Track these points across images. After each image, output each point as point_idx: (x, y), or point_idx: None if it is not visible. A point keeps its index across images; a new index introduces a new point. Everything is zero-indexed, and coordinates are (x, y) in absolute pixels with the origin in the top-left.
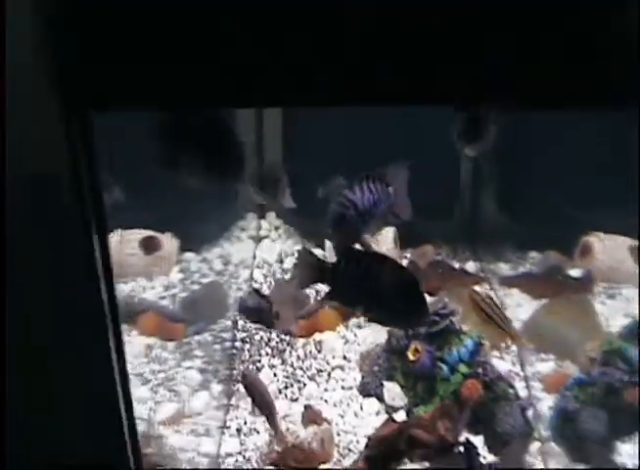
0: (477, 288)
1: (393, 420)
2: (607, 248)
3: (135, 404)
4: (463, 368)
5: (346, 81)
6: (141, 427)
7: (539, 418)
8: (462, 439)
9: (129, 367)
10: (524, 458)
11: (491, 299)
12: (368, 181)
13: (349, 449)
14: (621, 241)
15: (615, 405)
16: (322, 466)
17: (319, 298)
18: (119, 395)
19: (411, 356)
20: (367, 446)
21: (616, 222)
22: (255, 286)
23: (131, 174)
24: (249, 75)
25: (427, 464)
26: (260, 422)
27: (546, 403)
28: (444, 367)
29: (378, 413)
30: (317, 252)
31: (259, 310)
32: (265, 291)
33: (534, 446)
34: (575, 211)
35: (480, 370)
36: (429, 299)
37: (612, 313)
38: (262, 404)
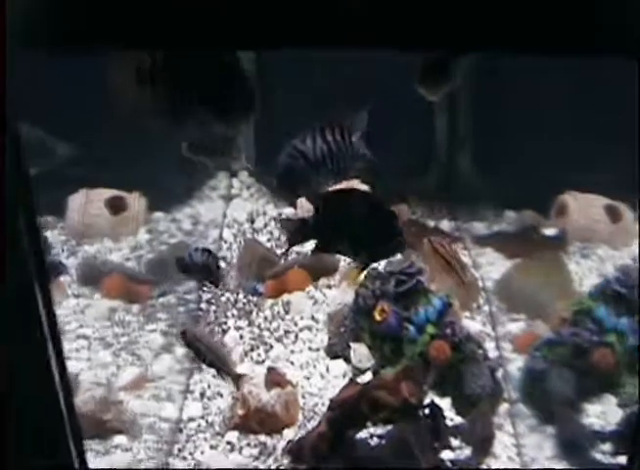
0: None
1: (356, 382)
2: (582, 207)
3: (97, 370)
4: (430, 329)
5: (329, 25)
6: (100, 392)
7: (508, 379)
8: (427, 401)
9: (91, 331)
10: (492, 420)
11: (450, 246)
12: (324, 131)
13: (315, 412)
14: (597, 200)
15: (583, 366)
16: (286, 430)
17: (289, 257)
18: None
19: (378, 317)
20: (329, 408)
21: (592, 180)
22: (225, 246)
23: (97, 130)
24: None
25: (389, 427)
26: (224, 385)
27: (516, 364)
28: (411, 328)
29: (344, 375)
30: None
31: (205, 268)
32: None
33: (503, 407)
34: (553, 170)
35: (447, 331)
36: (396, 258)
37: (585, 273)
38: (212, 358)
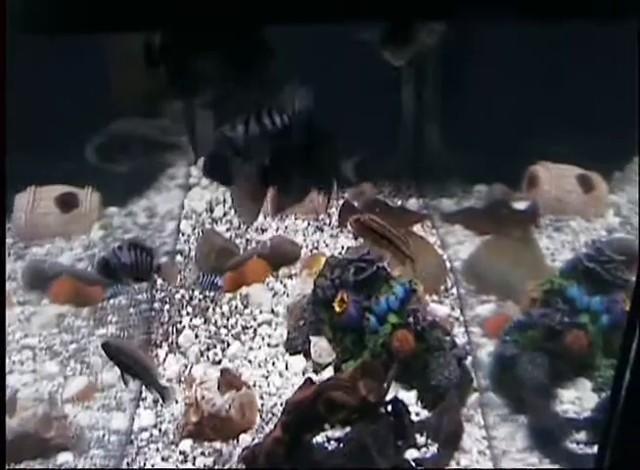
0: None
1: (311, 382)
2: (553, 178)
3: (42, 382)
4: (392, 318)
5: None
6: (42, 408)
7: (478, 366)
8: (390, 396)
9: (37, 340)
10: (460, 412)
11: (381, 220)
12: (260, 115)
13: (273, 414)
14: (569, 170)
15: (555, 349)
16: (243, 435)
17: (249, 248)
18: None
19: (337, 308)
20: (283, 411)
21: (563, 150)
22: (182, 238)
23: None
24: None
25: (347, 430)
26: (180, 390)
27: (486, 349)
28: (372, 318)
29: (304, 372)
30: None
31: (134, 267)
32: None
33: (472, 397)
34: (523, 140)
35: (410, 319)
36: (353, 244)
37: (558, 248)
38: (138, 370)
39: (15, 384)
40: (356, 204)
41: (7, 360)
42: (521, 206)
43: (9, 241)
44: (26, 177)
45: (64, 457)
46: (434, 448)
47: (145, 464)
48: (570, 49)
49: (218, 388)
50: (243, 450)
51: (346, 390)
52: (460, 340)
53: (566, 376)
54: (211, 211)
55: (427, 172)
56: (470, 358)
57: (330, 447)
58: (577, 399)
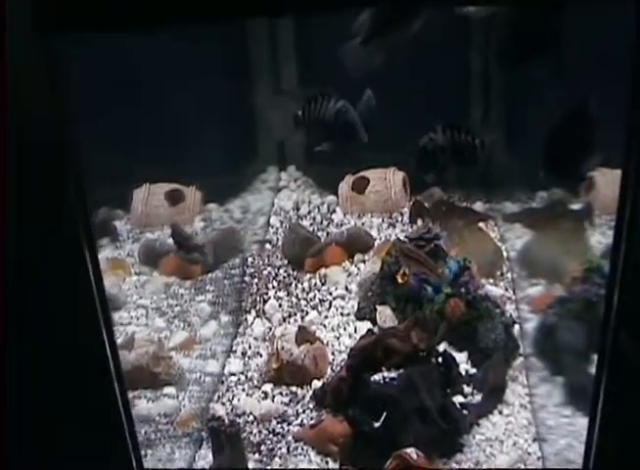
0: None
1: (372, 332)
2: (609, 181)
3: (152, 333)
4: (446, 288)
5: None
6: (153, 348)
7: (525, 337)
8: (441, 350)
9: (148, 302)
10: (505, 372)
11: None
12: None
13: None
14: None
15: (591, 319)
16: (315, 381)
17: (328, 238)
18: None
19: (400, 280)
20: (348, 356)
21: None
22: (272, 230)
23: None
24: None
25: (400, 371)
26: (264, 347)
27: (532, 324)
28: (429, 288)
29: None
30: None
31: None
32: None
33: (518, 362)
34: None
35: (462, 290)
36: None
37: (610, 242)
38: None
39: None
40: (426, 204)
41: (125, 315)
42: (576, 206)
43: (128, 227)
44: (144, 175)
45: (168, 390)
46: (478, 398)
47: (232, 399)
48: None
49: (295, 341)
50: (314, 390)
51: (401, 338)
52: (509, 314)
53: None
54: (298, 209)
55: (495, 182)
56: (517, 329)
57: (385, 384)
58: None
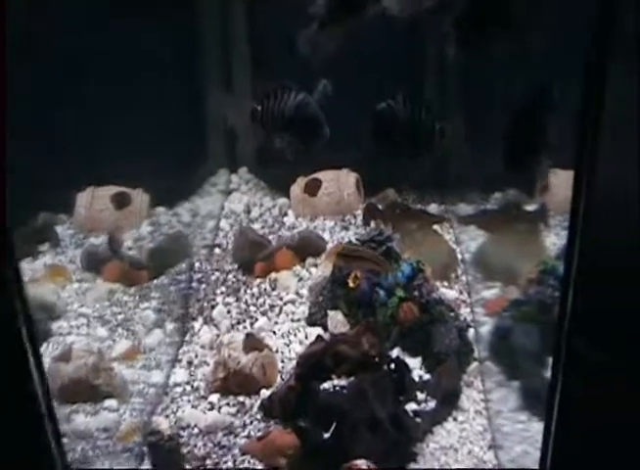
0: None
1: (322, 338)
2: (563, 182)
3: (92, 343)
4: (399, 292)
5: None
6: (92, 359)
7: (480, 340)
8: (394, 357)
9: (90, 311)
10: (460, 377)
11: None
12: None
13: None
14: None
15: (546, 321)
16: (264, 391)
17: (279, 242)
18: None
19: (351, 284)
20: (297, 364)
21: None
22: (221, 234)
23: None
24: None
25: (351, 379)
26: (211, 355)
27: (487, 327)
28: (381, 292)
29: None
30: None
31: None
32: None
33: (473, 366)
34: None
35: (416, 293)
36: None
37: (563, 243)
38: None
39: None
40: (380, 206)
41: (65, 324)
42: (531, 207)
43: (70, 232)
44: (87, 178)
45: (108, 403)
46: (432, 404)
47: (177, 411)
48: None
49: (243, 349)
50: (262, 400)
51: (351, 344)
52: (464, 317)
53: None
54: (248, 212)
55: (448, 182)
56: (472, 332)
57: (334, 393)
58: None
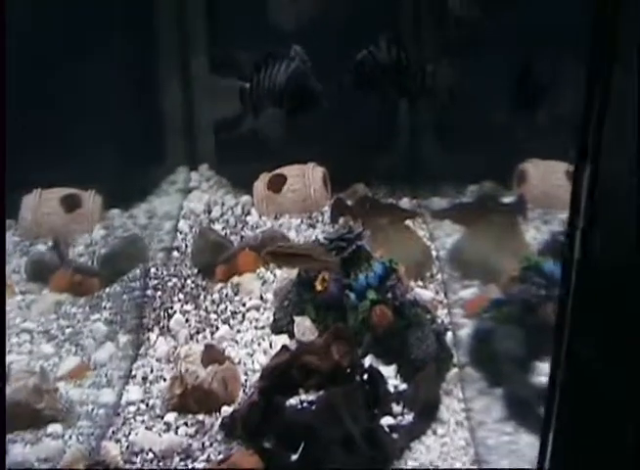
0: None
1: (287, 349)
2: (542, 173)
3: (32, 363)
4: (371, 294)
5: None
6: (33, 380)
7: (459, 345)
8: (366, 366)
9: (35, 325)
10: (438, 385)
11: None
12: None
13: None
14: (557, 165)
15: (531, 322)
16: (225, 407)
17: (241, 242)
18: None
19: (319, 286)
20: (260, 377)
21: (554, 148)
22: (180, 236)
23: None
24: None
25: (321, 392)
26: (168, 369)
27: (467, 330)
28: (352, 295)
29: None
30: None
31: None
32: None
33: (452, 373)
34: (514, 140)
35: (389, 295)
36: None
37: (546, 238)
38: None
39: (11, 361)
40: (348, 202)
41: (6, 341)
42: (507, 200)
43: (15, 239)
44: (33, 180)
45: (52, 428)
46: (409, 417)
47: (130, 434)
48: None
49: (202, 362)
50: (223, 418)
51: (319, 354)
52: (441, 320)
53: (543, 349)
54: (209, 212)
55: (420, 174)
56: (450, 336)
57: (302, 410)
58: None
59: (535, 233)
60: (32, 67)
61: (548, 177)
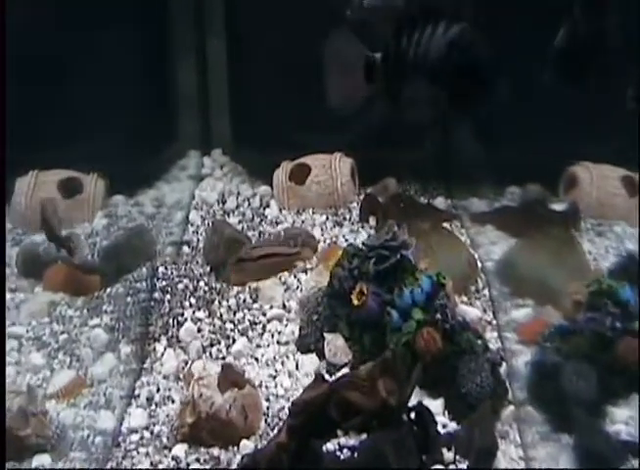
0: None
1: (323, 380)
2: (595, 179)
3: (26, 375)
4: (417, 314)
5: None
6: (18, 402)
7: (514, 376)
8: (414, 402)
9: (24, 330)
10: (494, 425)
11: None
12: None
13: (280, 418)
14: (612, 171)
15: (605, 359)
16: (245, 441)
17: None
18: None
19: (356, 301)
20: (290, 414)
21: (606, 150)
22: (191, 229)
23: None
24: None
25: (363, 436)
26: (177, 388)
27: (522, 358)
28: (394, 313)
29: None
30: None
31: None
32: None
33: (507, 411)
34: (561, 140)
35: (438, 316)
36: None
37: (601, 253)
38: None
39: None
40: (380, 199)
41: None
42: (559, 207)
43: (7, 226)
44: (29, 159)
45: (40, 460)
46: (463, 466)
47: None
48: None
49: (218, 385)
50: (242, 458)
51: (363, 390)
52: (493, 345)
53: (617, 391)
54: (223, 202)
55: (456, 171)
56: (504, 366)
57: (342, 457)
58: (631, 419)
59: (590, 247)
60: (40, 39)
61: (602, 184)
